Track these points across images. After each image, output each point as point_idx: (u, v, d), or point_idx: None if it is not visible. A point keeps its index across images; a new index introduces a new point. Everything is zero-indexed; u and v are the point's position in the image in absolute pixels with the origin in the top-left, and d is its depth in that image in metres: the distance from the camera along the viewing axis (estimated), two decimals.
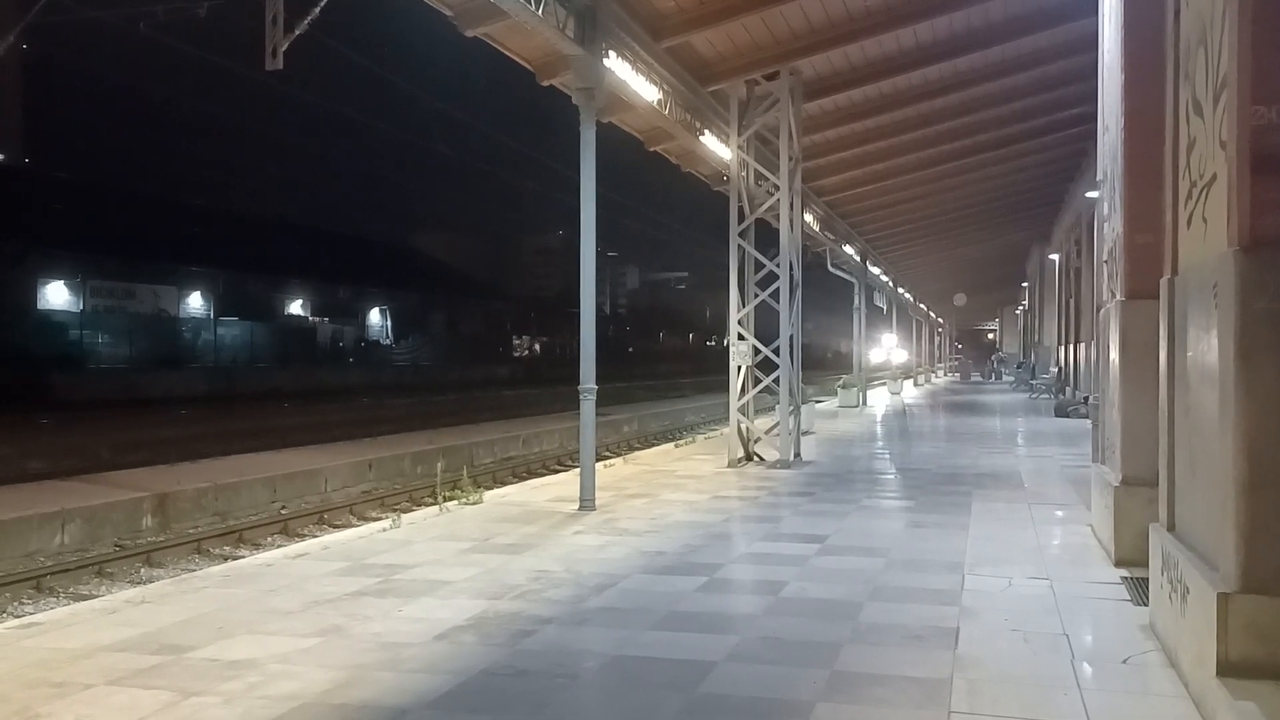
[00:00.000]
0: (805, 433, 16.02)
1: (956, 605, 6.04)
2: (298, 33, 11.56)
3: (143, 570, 10.86)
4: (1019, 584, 6.62)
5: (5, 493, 12.65)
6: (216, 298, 47.56)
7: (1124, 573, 6.82)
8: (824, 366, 48.94)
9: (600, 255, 10.78)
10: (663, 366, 76.77)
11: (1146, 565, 5.73)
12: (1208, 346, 4.28)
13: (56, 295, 40.67)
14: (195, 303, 47.16)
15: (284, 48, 11.45)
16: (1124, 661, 4.98)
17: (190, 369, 42.05)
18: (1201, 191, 4.43)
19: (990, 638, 5.37)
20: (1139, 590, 6.21)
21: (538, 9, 8.81)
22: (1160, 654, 5.01)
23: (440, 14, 9.55)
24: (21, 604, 9.51)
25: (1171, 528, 5.11)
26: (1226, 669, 3.86)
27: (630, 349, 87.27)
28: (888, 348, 34.02)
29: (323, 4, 11.43)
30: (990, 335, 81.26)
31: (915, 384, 44.71)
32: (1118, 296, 7.19)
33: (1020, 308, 53.32)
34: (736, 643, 5.33)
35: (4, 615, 9.01)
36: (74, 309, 40.53)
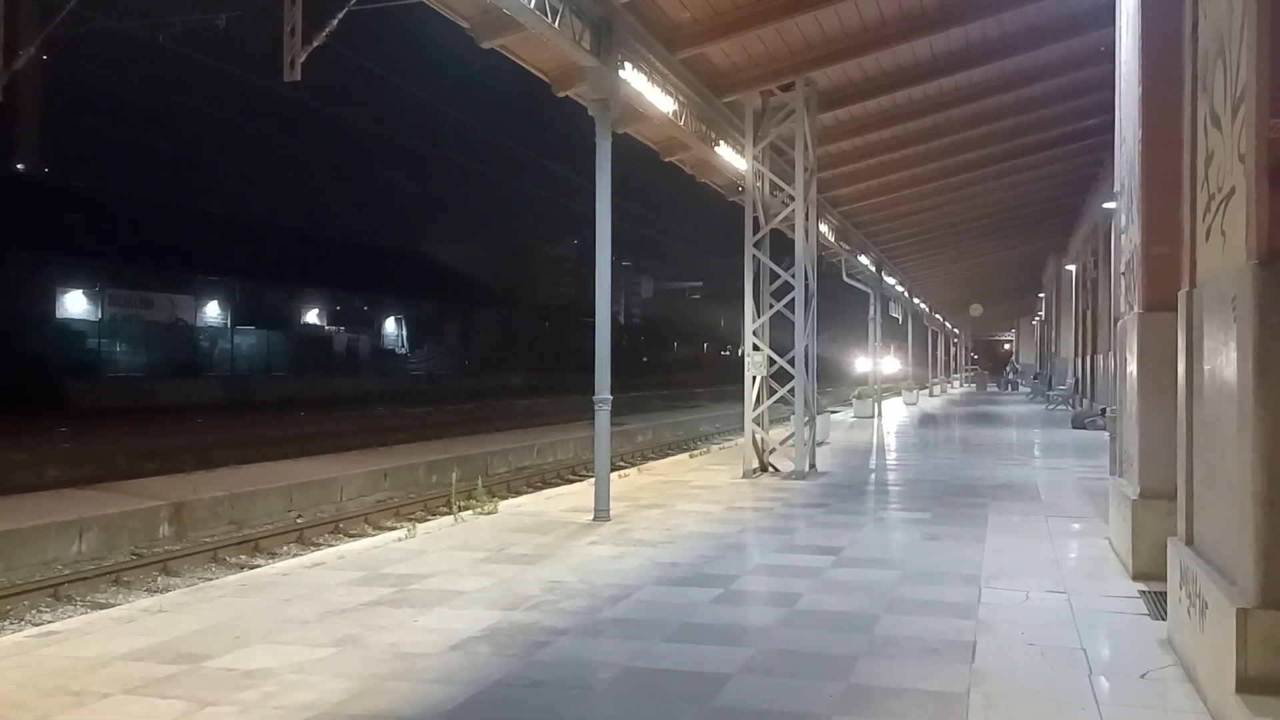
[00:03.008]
0: (820, 443, 15.99)
1: (973, 618, 6.01)
2: (315, 44, 11.63)
3: (159, 579, 10.90)
4: (1036, 597, 6.58)
5: (24, 500, 12.74)
6: (233, 306, 47.84)
7: (1142, 586, 6.78)
8: (839, 377, 48.77)
9: (614, 264, 10.80)
10: (677, 376, 76.67)
11: (1164, 579, 5.69)
12: (1226, 360, 4.26)
13: (75, 304, 40.97)
14: (212, 311, 47.44)
15: (302, 59, 11.52)
16: (1142, 676, 4.95)
17: (207, 377, 42.28)
18: (1220, 204, 4.41)
19: (1007, 651, 5.35)
20: (1157, 604, 6.17)
21: (553, 21, 8.85)
22: (1178, 669, 4.98)
23: (457, 26, 9.61)
24: (39, 612, 9.56)
25: (1190, 541, 5.08)
26: (1245, 685, 3.83)
27: (644, 358, 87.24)
28: (876, 355, 31.61)
29: (340, 16, 11.49)
30: (1006, 346, 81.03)
31: (931, 394, 44.58)
32: (1135, 308, 7.16)
33: (1036, 318, 53.13)
34: (751, 655, 5.32)
35: (22, 623, 9.05)
36: (92, 317, 40.82)
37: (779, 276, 13.92)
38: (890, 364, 37.99)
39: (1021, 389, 49.56)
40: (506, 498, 12.66)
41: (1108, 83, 8.79)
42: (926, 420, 28.60)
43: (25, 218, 39.10)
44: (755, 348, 13.83)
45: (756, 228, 13.91)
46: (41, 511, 11.88)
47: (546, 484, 17.68)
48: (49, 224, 40.14)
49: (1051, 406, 32.35)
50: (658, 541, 8.71)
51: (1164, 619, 5.71)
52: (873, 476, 14.05)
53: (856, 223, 23.74)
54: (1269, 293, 3.81)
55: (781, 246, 14.24)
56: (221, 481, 14.75)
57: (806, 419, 13.80)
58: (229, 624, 5.95)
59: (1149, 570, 6.75)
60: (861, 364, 31.25)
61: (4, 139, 52.98)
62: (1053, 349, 41.93)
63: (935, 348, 51.33)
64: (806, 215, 13.70)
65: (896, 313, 36.82)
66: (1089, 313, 28.08)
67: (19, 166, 55.65)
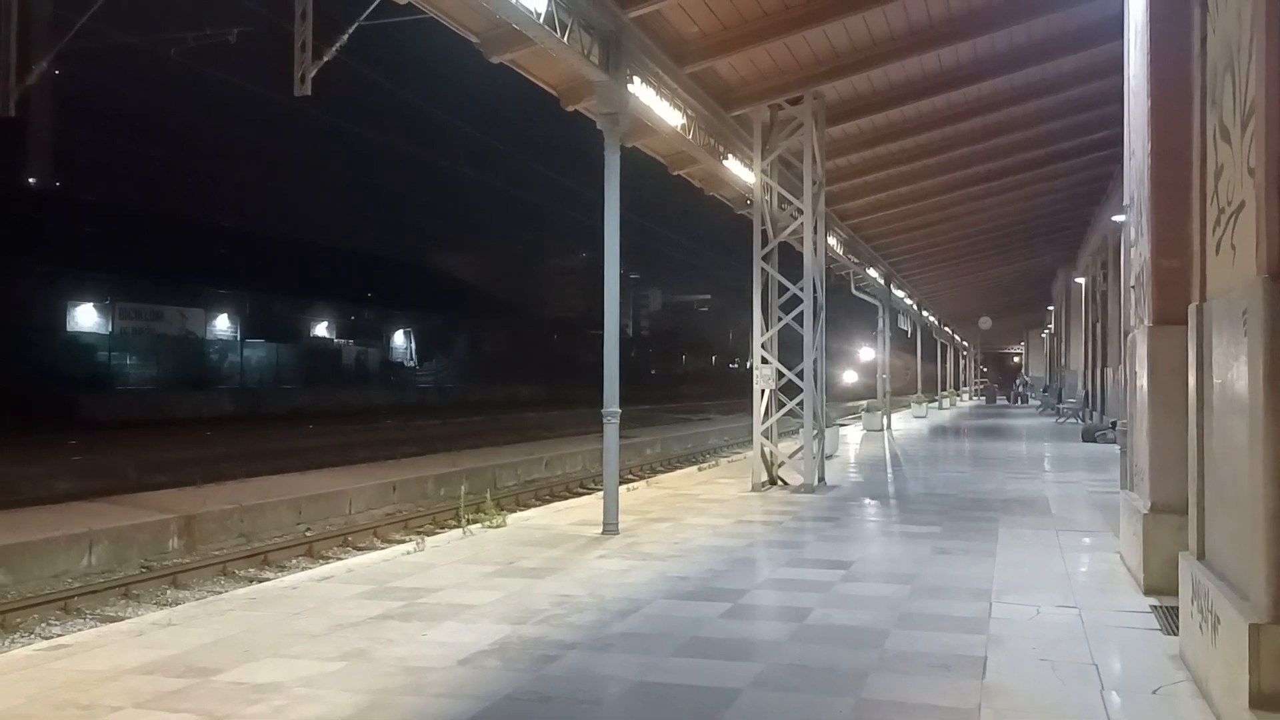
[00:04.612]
0: (829, 456, 15.95)
1: (984, 633, 5.98)
2: (326, 59, 11.70)
3: (169, 592, 10.92)
4: (1047, 612, 6.56)
5: (34, 513, 12.78)
6: (243, 319, 47.99)
7: (1153, 601, 6.75)
8: (847, 391, 48.72)
9: (623, 277, 10.83)
10: (685, 389, 76.65)
11: (1176, 593, 5.66)
12: (1237, 374, 4.25)
13: (86, 317, 41.13)
14: (222, 324, 47.58)
15: (312, 73, 11.60)
16: (1154, 692, 4.92)
17: (216, 390, 42.41)
18: (1230, 218, 4.41)
19: (1018, 666, 5.32)
20: (1168, 619, 6.14)
21: (563, 36, 8.89)
22: (1190, 684, 4.95)
23: (466, 41, 9.66)
24: (49, 625, 9.59)
25: (1201, 556, 5.06)
26: (1259, 701, 3.81)
27: (653, 371, 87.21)
28: (885, 368, 30.46)
29: (350, 31, 11.57)
30: (1016, 359, 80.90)
31: (940, 407, 44.49)
32: (1145, 322, 7.14)
33: (1046, 331, 53.00)
34: (761, 670, 5.30)
35: (32, 636, 9.08)
36: (102, 330, 40.98)
37: (787, 289, 13.92)
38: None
39: (1031, 402, 49.42)
40: (515, 511, 12.68)
41: (1116, 96, 8.79)
42: (936, 433, 28.53)
43: (36, 231, 39.31)
44: (764, 360, 13.82)
45: (765, 241, 13.92)
46: (52, 524, 11.91)
47: (555, 497, 17.67)
48: (60, 237, 40.35)
49: (1061, 420, 32.24)
50: (667, 555, 8.70)
51: (1176, 634, 5.69)
52: (882, 490, 14.01)
53: (865, 236, 23.74)
54: None
55: (790, 259, 14.26)
56: (231, 494, 14.78)
57: (815, 432, 13.78)
58: (238, 637, 5.96)
59: (1160, 585, 6.72)
60: (849, 375, 30.91)
61: (16, 153, 53.34)
62: (1062, 362, 41.81)
63: (944, 361, 51.23)
64: (815, 228, 13.70)
65: (905, 325, 36.77)
66: (1099, 325, 28.00)
67: (31, 180, 56.00)
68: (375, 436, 28.30)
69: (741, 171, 14.17)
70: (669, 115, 11.46)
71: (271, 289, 49.81)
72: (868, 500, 12.82)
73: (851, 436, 25.47)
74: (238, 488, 15.60)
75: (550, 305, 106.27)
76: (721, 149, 13.60)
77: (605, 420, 10.02)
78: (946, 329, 51.14)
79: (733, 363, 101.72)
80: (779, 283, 13.99)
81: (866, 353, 35.54)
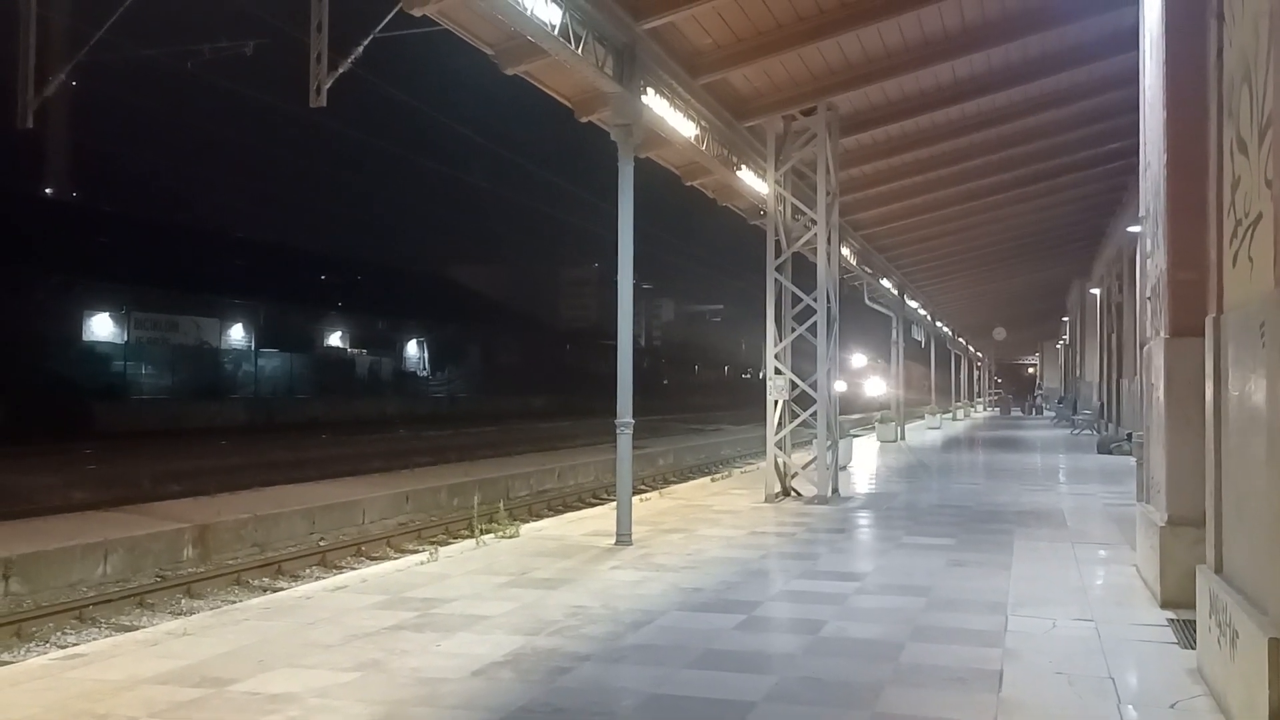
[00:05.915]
0: (843, 467, 15.90)
1: (999, 646, 5.95)
2: (341, 71, 11.76)
3: (183, 601, 10.95)
4: (1063, 625, 6.52)
5: (50, 523, 12.84)
6: (257, 329, 48.14)
7: (1170, 614, 6.70)
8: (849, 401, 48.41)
9: (636, 287, 10.84)
10: (698, 399, 76.60)
11: (1193, 607, 5.63)
12: (1255, 386, 4.22)
13: (101, 326, 41.33)
14: (236, 334, 47.74)
15: (328, 85, 11.65)
16: (1171, 706, 4.88)
17: (231, 400, 42.56)
18: (1247, 230, 4.39)
19: (1034, 680, 5.29)
20: (1186, 633, 6.09)
21: (577, 47, 8.92)
22: (1209, 699, 4.91)
23: (481, 53, 9.70)
24: (65, 634, 9.62)
25: (1219, 569, 5.03)
26: (1279, 717, 3.77)
27: (665, 381, 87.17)
28: (860, 375, 30.07)
29: (365, 44, 11.62)
30: (1030, 370, 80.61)
31: (954, 418, 44.34)
32: (1161, 334, 7.11)
33: (1061, 342, 52.82)
34: (775, 683, 5.28)
35: (48, 646, 9.11)
36: (118, 340, 41.17)
37: (801, 300, 13.90)
38: (876, 385, 37.11)
39: (1046, 413, 49.19)
40: (528, 521, 12.68)
41: (1131, 107, 8.77)
42: (950, 444, 28.42)
43: (53, 241, 39.58)
44: (777, 371, 13.80)
45: (778, 251, 13.91)
46: (68, 533, 11.97)
47: (568, 507, 17.66)
48: (76, 248, 40.61)
49: (1077, 431, 32.06)
50: (680, 566, 8.68)
51: (1193, 648, 5.65)
52: (896, 501, 13.95)
53: (879, 246, 23.72)
54: None
55: (803, 270, 14.23)
56: (245, 504, 14.82)
57: (829, 443, 13.74)
58: (253, 647, 5.97)
59: (1177, 598, 6.68)
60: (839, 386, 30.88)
61: (33, 164, 53.80)
62: (1077, 373, 41.65)
63: (958, 372, 51.07)
64: (828, 239, 13.69)
65: (919, 336, 36.69)
66: (1114, 337, 27.90)
67: (48, 191, 56.44)
68: (388, 446, 28.37)
69: (755, 182, 14.18)
70: (682, 126, 11.48)
71: (285, 299, 50.00)
72: (881, 512, 12.77)
73: (865, 448, 25.39)
74: (252, 497, 15.64)
75: (563, 315, 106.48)
76: (735, 160, 13.61)
77: (618, 431, 10.02)
78: (960, 340, 51.00)
79: (745, 373, 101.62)
80: (792, 293, 13.97)
81: (859, 358, 35.18)
